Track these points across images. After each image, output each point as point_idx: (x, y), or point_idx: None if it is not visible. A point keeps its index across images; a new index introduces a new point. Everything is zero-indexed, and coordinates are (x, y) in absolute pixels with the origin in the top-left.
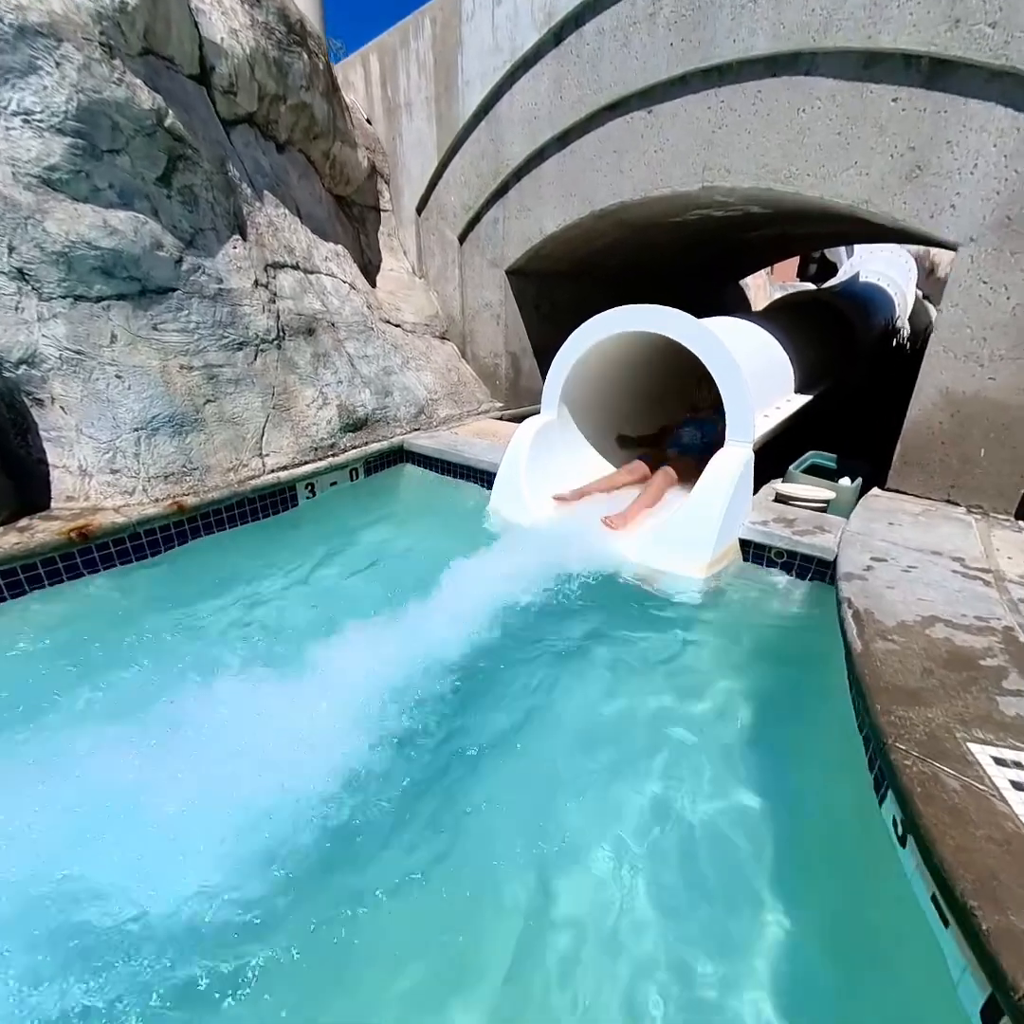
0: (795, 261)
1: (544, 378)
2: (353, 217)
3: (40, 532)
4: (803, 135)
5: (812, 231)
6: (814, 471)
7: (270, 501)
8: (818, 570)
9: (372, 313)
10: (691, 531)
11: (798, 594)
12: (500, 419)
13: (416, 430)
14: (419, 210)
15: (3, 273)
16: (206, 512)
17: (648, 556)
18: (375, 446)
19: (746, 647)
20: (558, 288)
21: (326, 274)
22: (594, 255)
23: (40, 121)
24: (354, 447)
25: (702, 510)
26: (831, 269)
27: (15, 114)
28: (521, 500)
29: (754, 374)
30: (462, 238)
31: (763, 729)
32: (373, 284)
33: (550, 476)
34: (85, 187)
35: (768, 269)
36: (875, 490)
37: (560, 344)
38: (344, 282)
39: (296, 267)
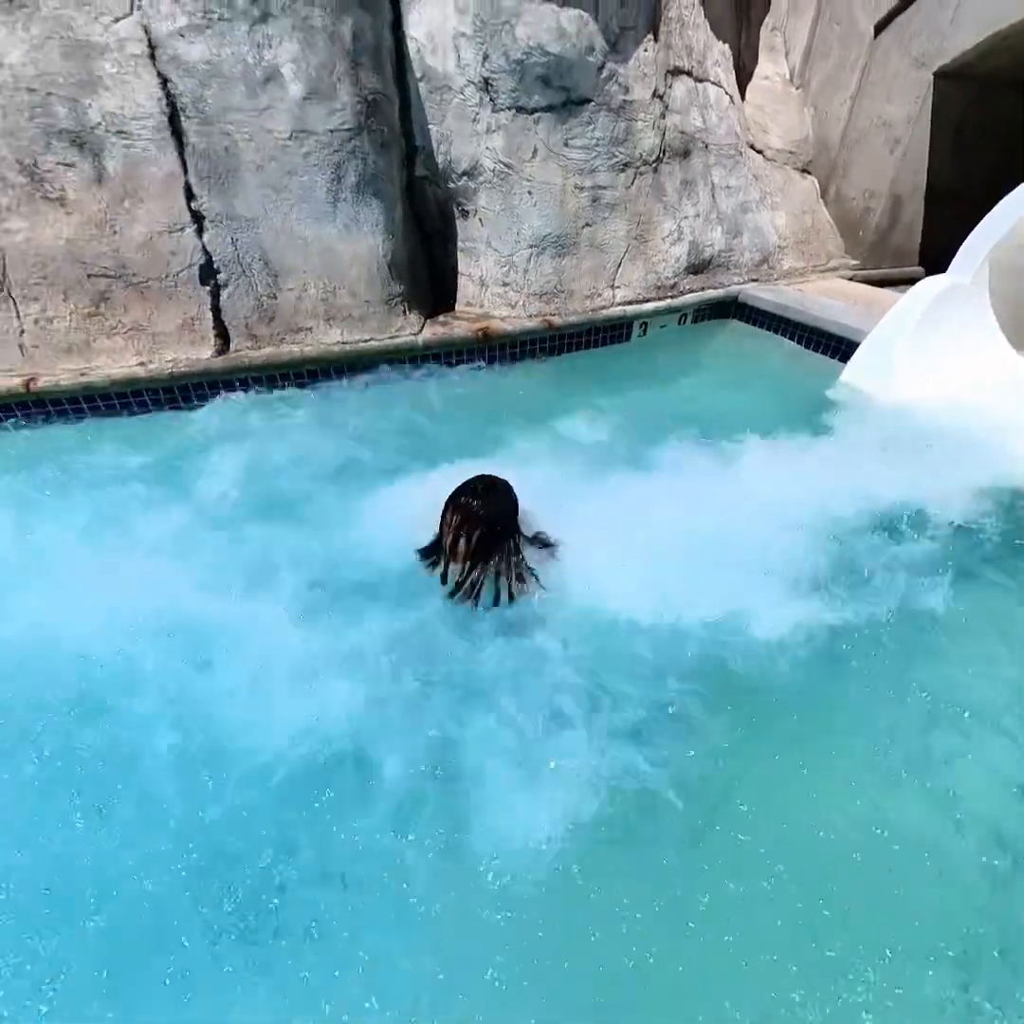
0: None
1: (925, 234)
2: (739, 3)
3: (456, 328)
4: None
5: None
6: None
7: (610, 333)
8: None
9: (742, 135)
10: None
11: None
12: (851, 279)
13: (754, 281)
14: None
15: (474, 83)
16: (565, 333)
17: None
18: (712, 292)
19: None
20: (1000, 103)
21: (713, 82)
22: None
23: None
24: (691, 291)
25: None
26: None
27: None
28: (892, 370)
29: None
30: (881, 26)
31: None
32: (741, 96)
33: (939, 360)
34: None
35: None
36: None
37: (975, 187)
38: (726, 93)
39: (689, 73)
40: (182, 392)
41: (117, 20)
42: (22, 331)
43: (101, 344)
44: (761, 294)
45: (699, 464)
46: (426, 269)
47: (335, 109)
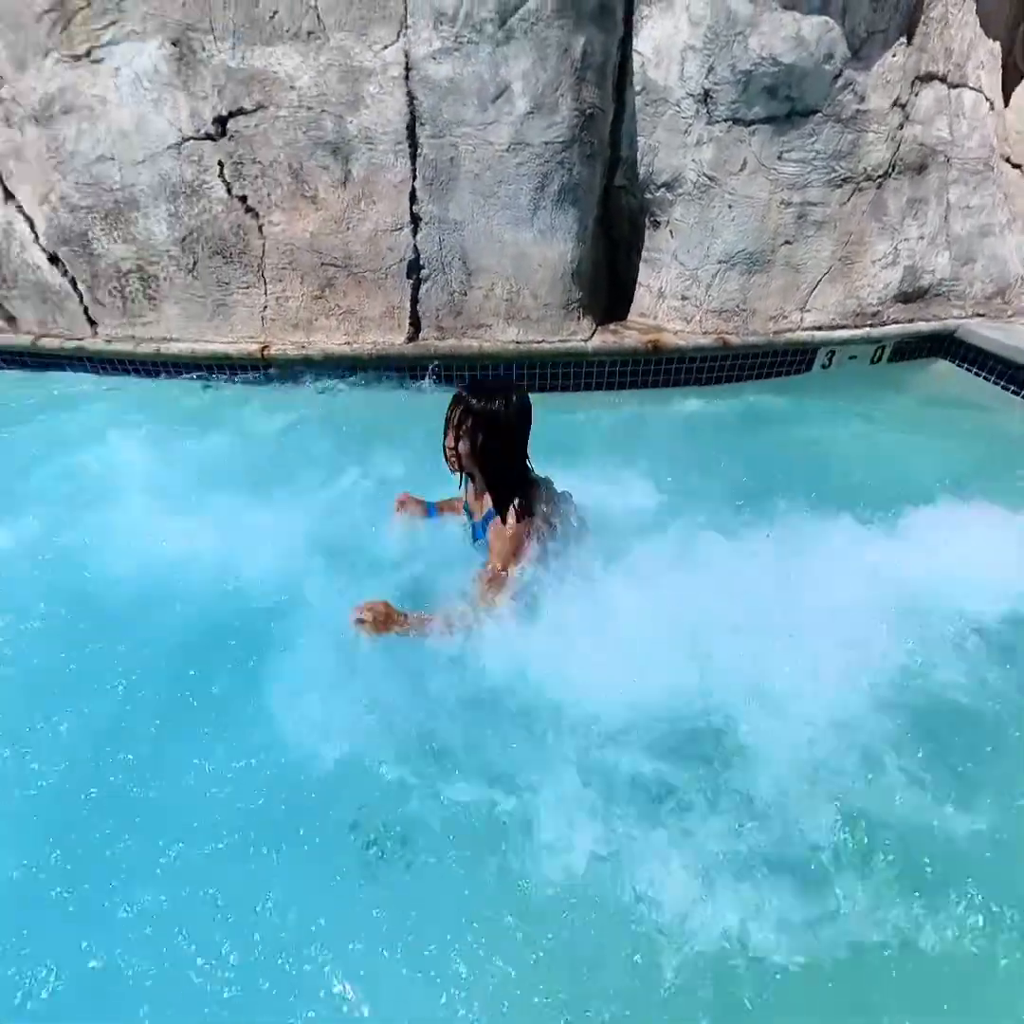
0: None
1: None
2: None
3: (626, 338)
4: None
5: None
6: None
7: (790, 360)
8: None
9: (997, 147)
10: None
11: None
12: None
13: (980, 316)
14: None
15: (692, 95)
16: (742, 354)
17: None
18: (922, 325)
19: None
20: None
21: (971, 86)
22: None
23: None
24: (896, 321)
25: None
26: None
27: None
28: None
29: None
30: None
31: None
32: (1005, 101)
33: None
34: None
35: None
36: None
37: None
38: (986, 99)
39: (943, 78)
40: (375, 370)
41: (385, 47)
42: (265, 307)
43: (320, 323)
44: (986, 332)
45: (828, 544)
46: (606, 277)
47: (554, 122)
